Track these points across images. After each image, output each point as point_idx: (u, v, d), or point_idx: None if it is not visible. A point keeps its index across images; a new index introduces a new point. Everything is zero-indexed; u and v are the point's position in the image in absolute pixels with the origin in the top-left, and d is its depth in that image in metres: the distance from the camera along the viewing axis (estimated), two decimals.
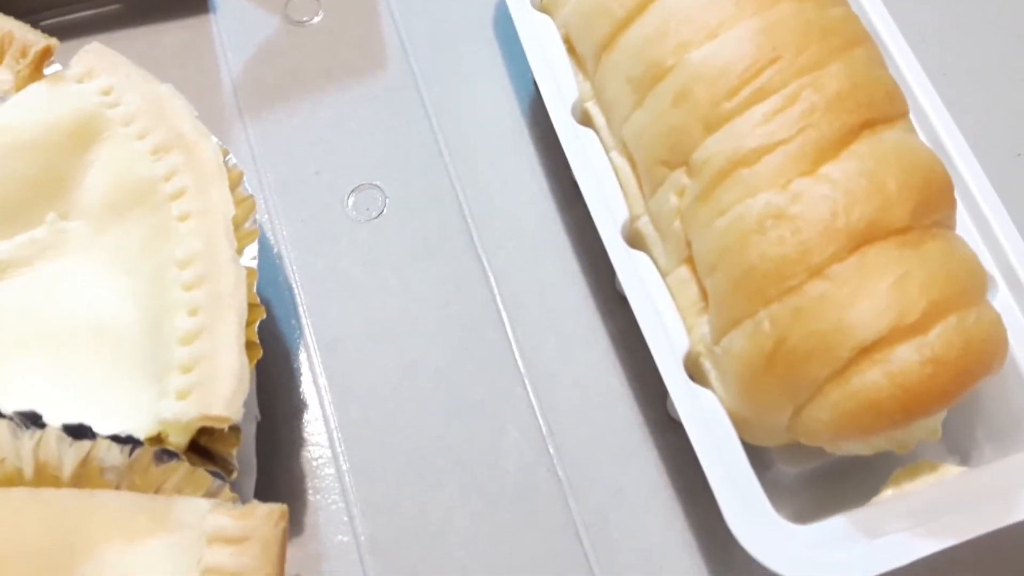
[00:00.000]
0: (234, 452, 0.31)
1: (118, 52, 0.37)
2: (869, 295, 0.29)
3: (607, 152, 0.36)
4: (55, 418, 0.30)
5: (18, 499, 0.29)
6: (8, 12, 0.37)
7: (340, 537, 0.34)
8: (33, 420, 0.30)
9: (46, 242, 0.35)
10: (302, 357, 0.38)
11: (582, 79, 0.38)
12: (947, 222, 0.33)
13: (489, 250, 0.40)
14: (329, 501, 0.35)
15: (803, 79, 0.32)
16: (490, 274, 0.40)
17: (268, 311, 0.33)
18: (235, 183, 0.35)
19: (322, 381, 0.37)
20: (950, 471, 0.32)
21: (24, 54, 0.36)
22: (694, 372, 0.33)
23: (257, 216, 0.35)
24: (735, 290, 0.31)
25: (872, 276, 0.29)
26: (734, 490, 0.30)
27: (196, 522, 0.29)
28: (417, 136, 0.43)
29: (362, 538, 0.35)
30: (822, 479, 0.35)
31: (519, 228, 0.41)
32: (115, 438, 0.29)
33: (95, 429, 0.29)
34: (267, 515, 0.29)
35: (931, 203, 0.31)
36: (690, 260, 0.33)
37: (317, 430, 0.36)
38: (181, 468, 0.30)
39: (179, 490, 0.30)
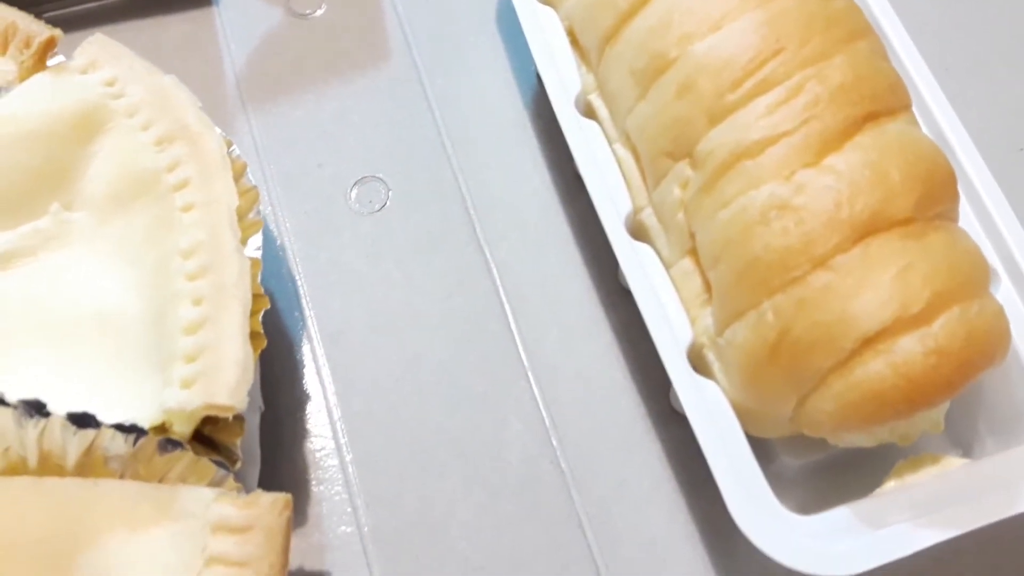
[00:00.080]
0: (238, 442, 0.31)
1: (121, 44, 0.37)
2: (873, 286, 0.29)
3: (610, 144, 0.36)
4: (59, 407, 0.30)
5: (21, 488, 0.29)
6: (12, 3, 0.37)
7: (343, 528, 0.35)
8: (37, 409, 0.30)
9: (50, 232, 0.35)
10: (305, 349, 0.38)
11: (585, 71, 0.38)
12: (950, 214, 0.33)
13: (492, 242, 0.40)
14: (332, 492, 0.35)
15: (807, 71, 0.32)
16: (493, 266, 0.40)
17: (271, 303, 0.33)
18: (239, 174, 0.35)
19: (325, 373, 0.37)
20: (952, 463, 0.32)
21: (28, 45, 0.36)
22: (697, 364, 0.33)
23: (260, 207, 0.35)
24: (739, 281, 0.31)
25: (876, 267, 0.29)
26: (738, 481, 0.30)
27: (200, 511, 0.29)
28: (420, 129, 0.43)
29: (365, 529, 0.35)
30: (825, 471, 0.35)
31: (522, 220, 0.41)
32: (119, 427, 0.29)
33: (99, 418, 0.30)
34: (271, 504, 0.29)
35: (934, 195, 0.31)
36: (693, 252, 0.33)
37: (320, 421, 0.37)
38: (185, 457, 0.30)
39: (183, 479, 0.30)
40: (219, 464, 0.30)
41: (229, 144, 0.36)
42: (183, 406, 0.29)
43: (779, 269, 0.30)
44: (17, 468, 0.30)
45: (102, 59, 0.37)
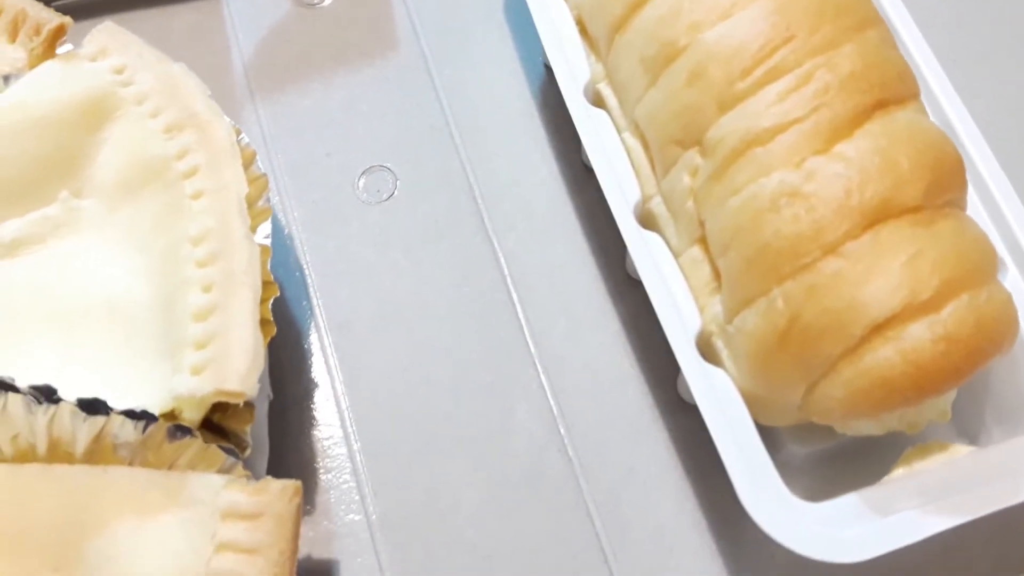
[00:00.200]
0: (248, 429, 0.31)
1: (130, 32, 0.37)
2: (882, 273, 0.29)
3: (619, 133, 0.36)
4: (69, 394, 0.30)
5: (31, 475, 0.29)
6: None
7: (351, 516, 0.35)
8: (47, 395, 0.30)
9: (59, 220, 0.35)
10: (313, 338, 0.38)
11: (594, 60, 0.38)
12: (958, 202, 0.33)
13: (500, 232, 0.40)
14: (340, 480, 0.35)
15: (817, 59, 0.32)
16: (501, 256, 0.40)
17: (279, 292, 0.33)
18: (248, 162, 0.35)
19: (333, 362, 0.37)
20: (960, 451, 0.32)
21: (37, 32, 0.36)
22: (706, 352, 0.33)
23: (269, 196, 0.35)
24: (749, 268, 0.31)
25: (885, 254, 0.29)
26: (747, 468, 0.30)
27: (210, 498, 0.29)
28: (428, 118, 0.43)
29: (373, 517, 0.35)
30: (832, 460, 0.35)
31: (529, 210, 0.41)
32: (129, 413, 0.30)
33: (109, 404, 0.30)
34: (281, 491, 0.29)
35: (943, 183, 0.31)
36: (703, 240, 0.33)
37: (328, 410, 0.37)
38: (194, 445, 0.30)
39: (192, 467, 0.30)
40: (228, 451, 0.30)
41: (238, 132, 0.36)
42: (193, 392, 0.29)
43: (789, 256, 0.30)
44: (26, 455, 0.30)
45: (111, 47, 0.37)
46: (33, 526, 0.29)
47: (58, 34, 0.37)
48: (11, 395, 0.29)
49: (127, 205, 0.35)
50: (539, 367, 0.37)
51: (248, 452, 0.31)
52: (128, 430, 0.29)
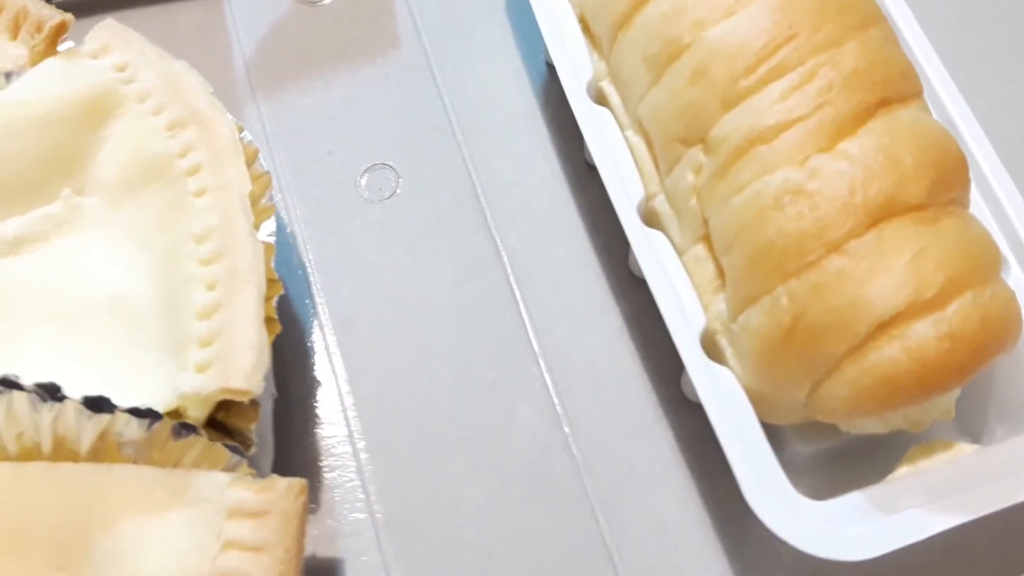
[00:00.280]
0: (253, 427, 0.31)
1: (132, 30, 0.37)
2: (887, 271, 0.29)
3: (622, 131, 0.36)
4: (72, 393, 0.30)
5: (35, 473, 0.29)
6: None
7: (356, 515, 0.35)
8: (52, 393, 0.30)
9: (61, 217, 0.35)
10: (316, 336, 0.38)
11: (597, 58, 0.38)
12: (962, 201, 0.33)
13: (502, 230, 0.40)
14: (344, 479, 0.35)
15: (820, 57, 0.32)
16: (503, 254, 0.40)
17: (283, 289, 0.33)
18: (251, 159, 0.35)
19: (336, 360, 0.37)
20: (964, 449, 0.32)
21: (39, 29, 0.36)
22: (710, 350, 0.33)
23: (273, 193, 0.35)
24: (753, 266, 0.31)
25: (890, 252, 0.29)
26: (752, 467, 0.30)
27: (215, 496, 0.29)
28: (429, 116, 0.42)
29: (378, 515, 0.35)
30: (836, 459, 0.35)
31: (531, 209, 0.41)
32: (134, 411, 0.29)
33: (114, 403, 0.30)
34: (287, 489, 0.29)
35: (947, 181, 0.31)
36: (706, 238, 0.33)
37: (332, 408, 0.37)
38: (199, 443, 0.30)
39: (197, 465, 0.30)
40: (233, 449, 0.30)
41: (240, 129, 0.36)
42: (199, 390, 0.29)
43: (793, 254, 0.30)
44: (31, 453, 0.30)
45: (113, 44, 0.37)
46: (38, 524, 0.29)
47: (60, 31, 0.37)
48: (16, 393, 0.29)
49: (129, 203, 0.35)
50: (542, 365, 0.37)
51: (253, 450, 0.31)
52: (133, 428, 0.29)
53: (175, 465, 0.30)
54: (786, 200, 0.30)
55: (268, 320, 0.31)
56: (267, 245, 0.33)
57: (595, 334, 0.38)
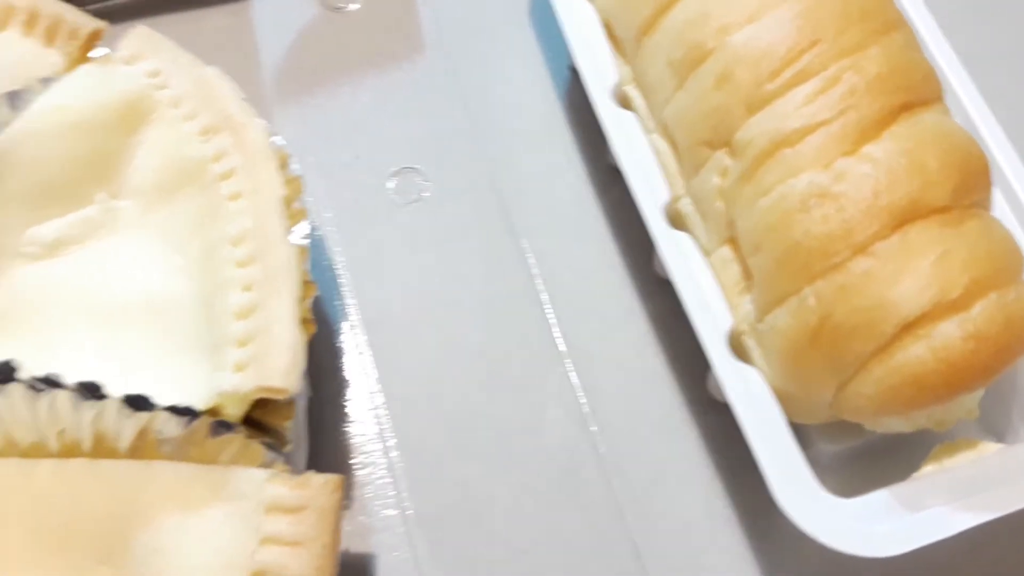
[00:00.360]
0: (288, 425, 0.32)
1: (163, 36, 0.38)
2: (912, 272, 0.30)
3: (646, 135, 0.37)
4: (111, 392, 0.30)
5: (77, 470, 0.30)
6: None
7: (387, 511, 0.35)
8: (93, 392, 0.30)
9: (97, 221, 0.35)
10: (346, 337, 0.39)
11: (621, 63, 0.38)
12: (984, 203, 0.33)
13: (527, 232, 0.41)
14: (376, 476, 0.36)
15: (843, 61, 0.32)
16: (528, 255, 0.40)
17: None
18: (283, 164, 0.35)
19: (367, 359, 0.38)
20: (989, 448, 0.32)
21: (74, 36, 0.37)
22: (737, 350, 0.33)
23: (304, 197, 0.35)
24: (780, 268, 0.31)
25: (915, 253, 0.30)
26: (780, 464, 0.31)
27: (253, 492, 0.29)
28: (454, 121, 0.43)
29: (409, 512, 0.35)
30: (860, 458, 0.36)
31: (555, 211, 0.41)
32: (173, 409, 0.30)
33: (153, 401, 0.30)
34: (323, 485, 0.29)
35: (970, 183, 0.32)
36: (732, 240, 0.34)
37: (362, 407, 0.37)
38: (236, 440, 0.30)
39: (234, 462, 0.30)
40: (269, 447, 0.31)
41: (271, 135, 0.36)
42: (237, 388, 0.30)
43: (820, 255, 0.30)
44: (71, 451, 0.30)
45: (146, 51, 0.37)
46: (79, 520, 0.29)
47: (94, 38, 0.37)
48: (59, 392, 0.30)
49: (163, 207, 0.35)
50: (569, 365, 0.38)
51: (289, 447, 0.32)
52: (172, 426, 0.30)
53: (212, 462, 0.30)
54: (812, 202, 0.31)
55: (303, 321, 0.32)
56: (301, 248, 0.33)
57: (620, 335, 0.39)
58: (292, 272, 0.32)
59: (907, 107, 0.32)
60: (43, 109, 0.36)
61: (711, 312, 0.33)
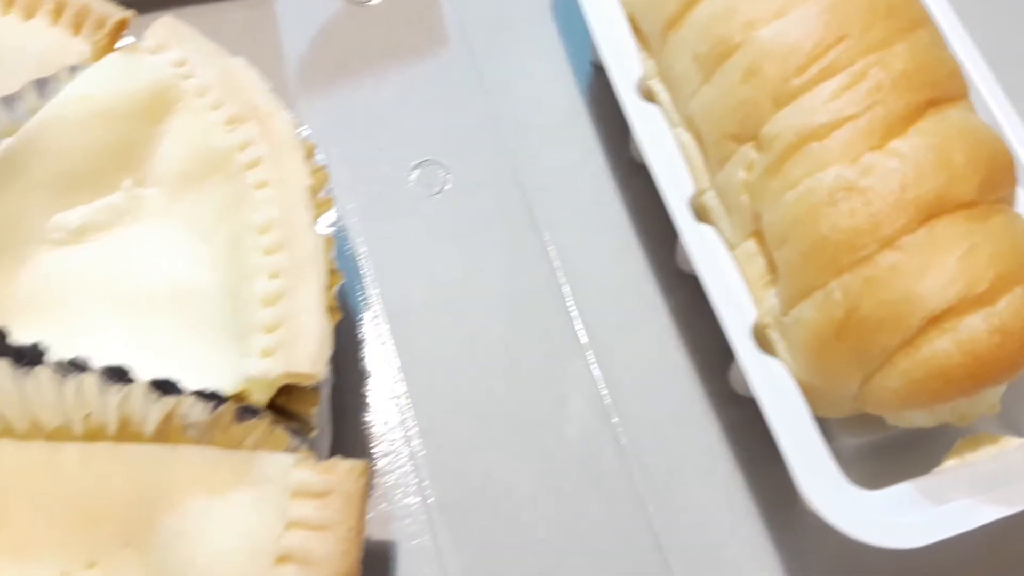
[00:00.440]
0: (313, 411, 0.32)
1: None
2: (939, 266, 0.30)
3: (671, 129, 0.37)
4: (139, 376, 0.30)
5: (102, 453, 0.30)
6: None
7: (409, 499, 0.35)
8: (120, 376, 0.30)
9: (123, 208, 0.36)
10: (369, 327, 0.39)
11: (646, 57, 0.38)
12: (1009, 199, 0.33)
13: (549, 225, 0.41)
14: (397, 464, 0.36)
15: (869, 57, 0.32)
16: (550, 248, 0.40)
17: None
18: (308, 154, 0.36)
19: (389, 349, 0.38)
20: (1011, 443, 0.32)
21: (101, 25, 0.37)
22: (761, 343, 0.33)
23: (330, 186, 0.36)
24: (806, 261, 0.31)
25: (941, 248, 0.30)
26: (804, 455, 0.31)
27: (279, 477, 0.29)
28: (476, 114, 0.43)
29: (430, 500, 0.35)
30: (881, 451, 0.36)
31: (577, 204, 0.41)
32: (199, 394, 0.30)
33: (180, 386, 0.30)
34: (349, 470, 0.29)
35: (995, 179, 0.32)
36: (757, 234, 0.34)
37: (385, 396, 0.37)
38: (261, 426, 0.30)
39: (258, 447, 0.30)
40: (294, 432, 0.31)
41: (297, 125, 0.36)
42: (265, 374, 0.30)
43: (847, 249, 0.31)
44: (97, 434, 0.30)
45: (172, 41, 0.38)
46: (105, 502, 0.29)
47: (121, 27, 0.37)
48: (86, 375, 0.30)
49: (189, 195, 0.36)
50: (590, 357, 0.38)
51: (314, 433, 0.32)
52: (198, 411, 0.30)
53: (237, 447, 0.30)
54: (839, 196, 0.31)
55: (330, 309, 0.32)
56: (327, 237, 0.34)
57: (642, 327, 0.39)
58: (319, 260, 0.32)
59: (933, 103, 0.32)
60: (70, 97, 0.36)
61: (736, 305, 0.33)
